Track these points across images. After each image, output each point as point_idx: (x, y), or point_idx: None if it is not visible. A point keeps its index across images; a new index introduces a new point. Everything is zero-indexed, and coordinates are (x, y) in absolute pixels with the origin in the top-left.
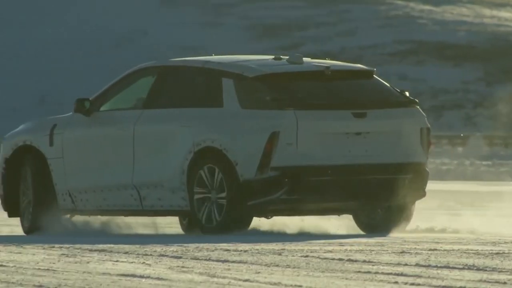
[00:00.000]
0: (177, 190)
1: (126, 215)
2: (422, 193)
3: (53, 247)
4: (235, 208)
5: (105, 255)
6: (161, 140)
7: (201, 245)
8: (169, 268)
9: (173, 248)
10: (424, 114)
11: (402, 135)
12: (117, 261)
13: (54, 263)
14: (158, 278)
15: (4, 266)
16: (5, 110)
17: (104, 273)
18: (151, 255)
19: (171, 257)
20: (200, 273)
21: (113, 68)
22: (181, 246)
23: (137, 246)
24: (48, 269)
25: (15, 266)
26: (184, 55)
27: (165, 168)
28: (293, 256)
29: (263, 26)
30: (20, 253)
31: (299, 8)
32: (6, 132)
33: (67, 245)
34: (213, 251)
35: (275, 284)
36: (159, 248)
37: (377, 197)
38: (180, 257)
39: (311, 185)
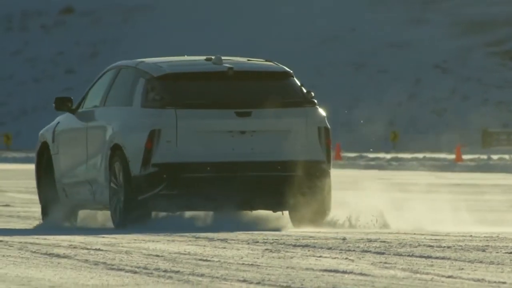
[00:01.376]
0: (107, 186)
1: (92, 209)
2: (319, 190)
3: (257, 242)
4: (129, 203)
5: (309, 250)
6: (97, 138)
7: (404, 241)
8: (371, 264)
9: (376, 244)
10: (323, 115)
11: (293, 134)
12: (320, 256)
13: (258, 258)
14: (360, 274)
15: (209, 260)
16: None
17: (307, 269)
18: (354, 250)
19: (374, 253)
20: (403, 269)
21: (321, 65)
22: (384, 242)
23: (340, 241)
24: (252, 264)
25: (219, 261)
26: (390, 52)
27: (98, 165)
28: (497, 252)
29: (469, 22)
30: (224, 248)
31: (506, 3)
32: None
33: (271, 240)
34: (416, 247)
35: (478, 280)
36: (362, 244)
37: (260, 194)
38: (383, 253)
39: (189, 181)
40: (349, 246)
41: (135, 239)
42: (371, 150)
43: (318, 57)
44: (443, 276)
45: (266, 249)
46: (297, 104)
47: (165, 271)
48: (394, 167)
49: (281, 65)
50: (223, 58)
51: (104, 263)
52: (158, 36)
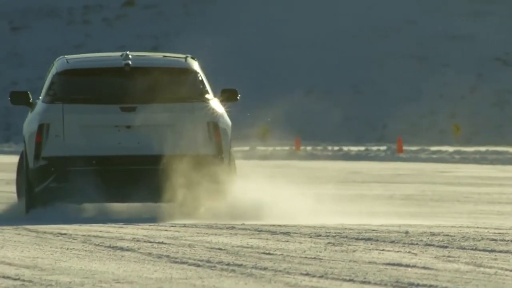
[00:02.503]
0: None
1: None
2: (211, 181)
3: (320, 235)
4: (28, 194)
5: (371, 244)
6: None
7: (467, 234)
8: (435, 257)
9: (439, 238)
10: (218, 111)
11: (179, 128)
12: (383, 250)
13: (320, 252)
14: (424, 268)
15: (272, 254)
16: (276, 101)
17: (370, 262)
18: (417, 244)
19: (437, 246)
20: (467, 263)
21: (381, 57)
22: (447, 235)
23: (403, 235)
24: (314, 258)
25: (282, 254)
26: (450, 45)
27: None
28: None
29: None
30: (287, 241)
31: None
32: None
33: (334, 234)
34: (479, 240)
35: None
36: (425, 238)
37: (144, 187)
38: (446, 247)
39: (76, 174)
40: (412, 240)
41: (198, 232)
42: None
43: (378, 50)
44: (507, 269)
45: (329, 243)
46: (184, 100)
47: (228, 264)
48: (457, 160)
49: (191, 62)
50: (139, 54)
51: (168, 256)
52: (220, 29)
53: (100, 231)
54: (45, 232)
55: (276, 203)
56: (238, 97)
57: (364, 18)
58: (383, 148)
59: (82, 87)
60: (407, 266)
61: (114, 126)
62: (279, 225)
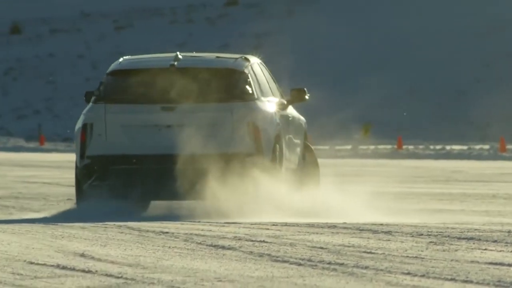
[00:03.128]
0: None
1: None
2: (250, 180)
3: (421, 234)
4: (76, 191)
5: (473, 243)
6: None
7: None
8: None
9: None
10: (258, 111)
11: (218, 128)
12: (485, 249)
13: (422, 251)
14: None
15: (373, 253)
16: (378, 99)
17: (472, 261)
18: None
19: None
20: None
21: (484, 56)
22: None
23: (505, 234)
24: (416, 257)
25: (383, 253)
26: None
27: None
28: None
29: None
30: (388, 240)
31: None
32: None
33: (435, 233)
34: None
35: None
36: None
37: (184, 185)
38: None
39: (117, 173)
40: None
41: (299, 231)
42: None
43: (482, 48)
44: None
45: (431, 242)
46: (224, 100)
47: (329, 263)
48: None
49: (241, 63)
50: (192, 55)
51: (269, 255)
52: (323, 28)
53: (202, 230)
54: (147, 231)
55: (377, 201)
56: (306, 97)
57: (468, 17)
58: (486, 147)
59: (126, 87)
60: (510, 265)
61: (154, 125)
62: (381, 224)
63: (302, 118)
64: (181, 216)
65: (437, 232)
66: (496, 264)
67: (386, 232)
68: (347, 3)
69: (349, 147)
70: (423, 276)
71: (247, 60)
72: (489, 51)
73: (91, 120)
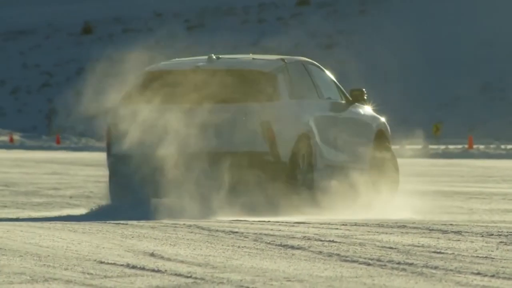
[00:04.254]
0: None
1: None
2: (260, 179)
3: (492, 234)
4: (108, 188)
5: None
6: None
7: None
8: None
9: None
10: (272, 111)
11: (234, 127)
12: None
13: (492, 251)
14: None
15: (443, 253)
16: (449, 99)
17: None
18: None
19: None
20: None
21: None
22: None
23: None
24: (486, 257)
25: (453, 253)
26: None
27: None
28: None
29: None
30: (458, 240)
31: None
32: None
33: (506, 233)
34: None
35: None
36: None
37: (204, 183)
38: None
39: (139, 171)
40: None
41: (368, 231)
42: None
43: None
44: None
45: (501, 242)
46: (241, 100)
47: (399, 263)
48: None
49: (268, 64)
50: (229, 57)
51: (338, 254)
52: (394, 27)
53: (271, 230)
54: (217, 230)
55: (448, 201)
56: (365, 97)
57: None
58: None
59: (152, 88)
60: None
61: (176, 125)
62: (451, 224)
63: (377, 119)
64: (248, 215)
65: (507, 232)
66: None
67: (456, 232)
68: (419, 2)
69: (419, 146)
70: (493, 276)
71: (282, 61)
72: None
73: (115, 119)
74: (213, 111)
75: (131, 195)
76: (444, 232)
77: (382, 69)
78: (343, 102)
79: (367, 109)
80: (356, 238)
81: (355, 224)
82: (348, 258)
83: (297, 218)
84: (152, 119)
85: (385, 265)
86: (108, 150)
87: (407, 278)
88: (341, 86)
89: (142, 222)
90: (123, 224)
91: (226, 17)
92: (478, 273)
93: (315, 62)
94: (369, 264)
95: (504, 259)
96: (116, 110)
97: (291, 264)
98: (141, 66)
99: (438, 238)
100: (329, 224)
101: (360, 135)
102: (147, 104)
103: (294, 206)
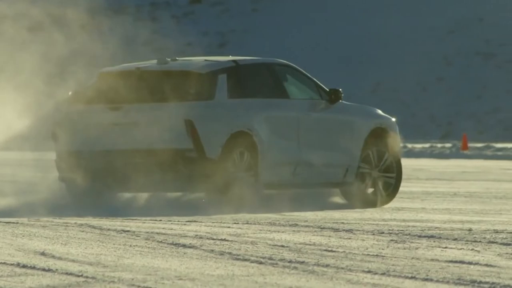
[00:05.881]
0: None
1: None
2: (184, 176)
3: (382, 233)
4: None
5: (434, 241)
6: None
7: None
8: (498, 255)
9: (502, 235)
10: (196, 109)
11: (159, 125)
12: (445, 247)
13: (383, 249)
14: (486, 265)
15: (334, 251)
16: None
17: (432, 259)
18: (480, 241)
19: (501, 244)
20: None
21: (447, 54)
22: (511, 233)
23: (466, 232)
24: (377, 255)
25: (344, 251)
26: None
27: None
28: None
29: None
30: (349, 238)
31: None
32: None
33: (396, 231)
34: None
35: None
36: (488, 235)
37: (135, 178)
38: (510, 244)
39: (80, 167)
40: (475, 237)
41: (260, 230)
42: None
43: (445, 47)
44: None
45: (391, 240)
46: (167, 100)
47: (290, 261)
48: None
49: (209, 65)
50: (180, 58)
51: (230, 253)
52: (288, 26)
53: (163, 228)
54: (108, 229)
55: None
56: (341, 96)
57: (430, 15)
58: (448, 145)
59: (96, 89)
60: (470, 263)
61: (105, 124)
62: (342, 222)
63: (375, 119)
64: (141, 214)
65: (398, 230)
66: (456, 262)
67: (347, 231)
68: (311, 2)
69: None
70: (383, 274)
71: (233, 63)
72: (450, 49)
73: (60, 119)
74: (142, 110)
75: (76, 192)
76: (336, 230)
77: None
78: (323, 101)
79: (360, 109)
80: (248, 237)
81: (247, 223)
82: (239, 257)
83: (189, 218)
84: (89, 119)
85: (276, 264)
86: (56, 147)
87: (299, 276)
88: (324, 87)
89: (32, 221)
90: (13, 223)
91: (118, 16)
92: (369, 271)
93: (291, 64)
94: (260, 263)
95: (395, 257)
96: (61, 109)
97: (183, 262)
98: None
99: (330, 236)
100: (221, 222)
101: (341, 134)
102: (86, 104)
103: (219, 202)
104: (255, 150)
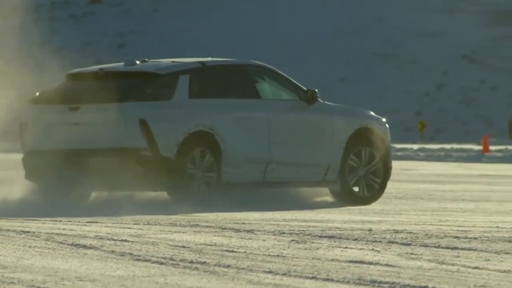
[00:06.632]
0: None
1: None
2: (140, 174)
3: (283, 233)
4: None
5: (334, 241)
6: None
7: (430, 232)
8: (398, 254)
9: (402, 235)
10: (151, 109)
11: (113, 125)
12: (346, 247)
13: (284, 249)
14: (386, 265)
15: (235, 252)
16: None
17: (333, 259)
18: (380, 241)
19: (400, 244)
20: (429, 260)
21: (348, 55)
22: (411, 233)
23: (366, 232)
24: (278, 255)
25: (245, 252)
26: (419, 42)
27: None
28: None
29: (500, 12)
30: (250, 239)
31: None
32: None
33: (297, 231)
34: (442, 238)
35: (504, 272)
36: (388, 235)
37: (93, 177)
38: (409, 244)
39: (40, 165)
40: (375, 237)
41: (161, 230)
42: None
43: (346, 48)
44: (469, 267)
45: (292, 240)
46: (120, 100)
47: (191, 262)
48: (421, 158)
49: (169, 66)
50: (151, 60)
51: (131, 254)
52: (188, 27)
53: (64, 229)
54: (8, 230)
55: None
56: (317, 97)
57: (331, 16)
58: None
59: (59, 90)
60: (370, 263)
61: (65, 123)
62: (243, 223)
63: (361, 119)
64: (42, 215)
65: (299, 230)
66: (356, 262)
67: (248, 231)
68: (212, 3)
69: None
70: (284, 274)
71: (200, 64)
72: (350, 50)
73: (25, 119)
74: (99, 110)
75: (42, 189)
76: (237, 230)
77: None
78: (300, 102)
79: (342, 109)
80: (148, 237)
81: (148, 223)
82: (140, 257)
83: (90, 218)
84: (51, 118)
85: (177, 264)
86: (22, 147)
87: (200, 276)
88: (303, 88)
89: None
90: None
91: (16, 15)
92: (270, 271)
93: (268, 66)
94: (161, 263)
95: (296, 257)
96: (26, 109)
97: (83, 263)
98: None
99: (231, 236)
100: (121, 223)
101: (319, 134)
102: (49, 104)
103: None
104: (218, 149)
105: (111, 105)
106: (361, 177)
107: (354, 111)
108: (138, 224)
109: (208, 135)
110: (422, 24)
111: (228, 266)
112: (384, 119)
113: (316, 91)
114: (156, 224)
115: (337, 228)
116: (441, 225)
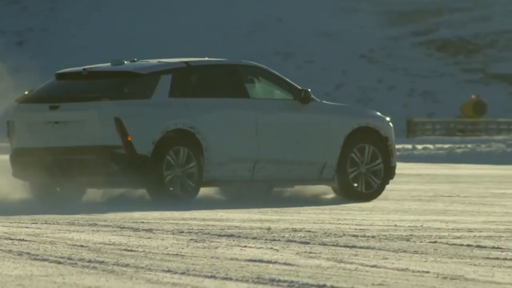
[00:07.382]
0: None
1: None
2: (116, 171)
3: (182, 232)
4: None
5: (233, 240)
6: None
7: (329, 230)
8: (296, 253)
9: (301, 234)
10: (127, 108)
11: (90, 123)
12: (245, 246)
13: (183, 248)
14: (285, 264)
15: (134, 251)
16: None
17: (232, 258)
18: (279, 240)
19: (299, 242)
20: (327, 259)
21: (249, 55)
22: (309, 232)
23: (265, 231)
24: (176, 254)
25: (144, 251)
26: (318, 42)
27: None
28: (421, 242)
29: (397, 12)
30: (149, 238)
31: None
32: None
33: (196, 230)
34: (340, 236)
35: (402, 270)
36: (287, 234)
37: (72, 174)
38: (308, 243)
39: (24, 163)
40: (274, 236)
41: (59, 229)
42: None
43: (245, 47)
44: (367, 265)
45: (191, 239)
46: (97, 99)
47: (90, 261)
48: None
49: (149, 66)
50: (146, 60)
51: (28, 253)
52: (86, 25)
53: None
54: None
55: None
56: (310, 97)
57: (230, 15)
58: None
59: (45, 89)
60: (269, 262)
61: (46, 122)
62: (142, 222)
63: (358, 119)
64: None
65: (198, 229)
66: (255, 261)
67: (147, 230)
68: (107, 3)
69: None
70: (183, 273)
71: (184, 64)
72: (250, 49)
73: (12, 118)
74: (77, 108)
75: (30, 188)
76: (136, 230)
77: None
78: (295, 101)
79: (340, 108)
80: (46, 237)
81: (46, 222)
82: (38, 257)
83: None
84: (33, 117)
85: (76, 263)
86: (10, 145)
87: (98, 276)
88: (298, 87)
89: None
90: None
91: None
92: (169, 270)
93: (262, 66)
94: (59, 263)
95: (194, 256)
96: (14, 107)
97: None
98: None
99: (129, 236)
100: (19, 222)
101: (314, 132)
102: (33, 103)
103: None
104: (199, 148)
105: (88, 103)
106: (361, 173)
107: (354, 110)
108: (36, 223)
109: (189, 134)
110: (321, 24)
111: (126, 265)
112: (388, 119)
113: (308, 91)
114: (54, 223)
115: (236, 227)
116: (339, 223)
